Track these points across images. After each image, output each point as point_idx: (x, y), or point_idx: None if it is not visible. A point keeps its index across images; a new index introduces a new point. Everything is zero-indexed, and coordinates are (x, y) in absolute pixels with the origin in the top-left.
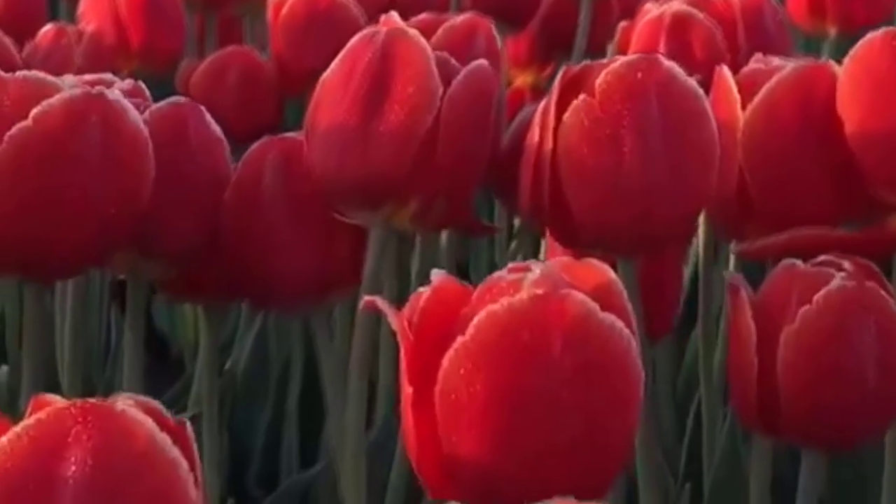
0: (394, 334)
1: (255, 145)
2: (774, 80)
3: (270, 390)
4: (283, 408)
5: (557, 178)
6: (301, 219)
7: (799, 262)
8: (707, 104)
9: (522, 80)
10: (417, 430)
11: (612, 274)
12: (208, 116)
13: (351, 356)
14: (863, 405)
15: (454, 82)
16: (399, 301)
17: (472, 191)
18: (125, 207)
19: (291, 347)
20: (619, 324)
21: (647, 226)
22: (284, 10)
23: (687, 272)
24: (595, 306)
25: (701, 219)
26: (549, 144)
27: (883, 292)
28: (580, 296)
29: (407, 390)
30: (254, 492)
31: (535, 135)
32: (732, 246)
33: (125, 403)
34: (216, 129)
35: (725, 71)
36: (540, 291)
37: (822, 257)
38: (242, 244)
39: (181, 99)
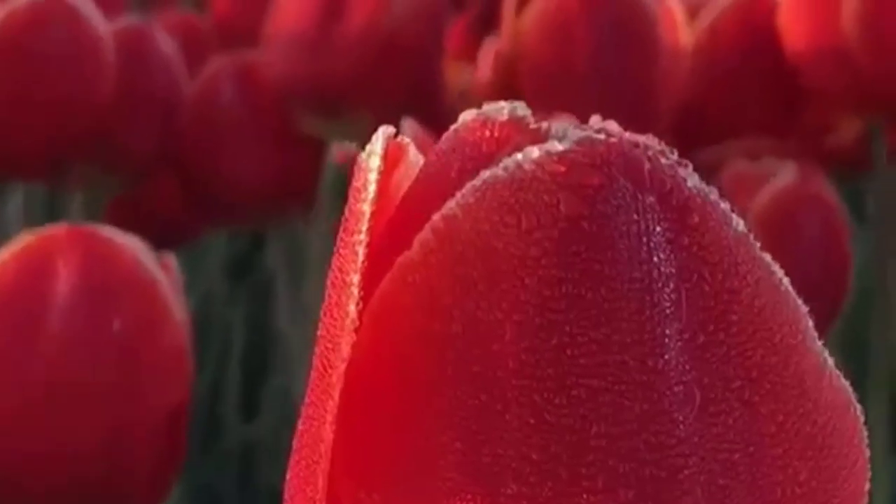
0: None
1: (212, 62)
2: (718, 3)
3: (213, 343)
4: (225, 361)
5: (515, 78)
6: (257, 130)
7: (745, 164)
8: (655, 14)
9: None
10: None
11: None
12: (164, 35)
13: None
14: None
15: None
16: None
17: (432, 101)
18: (84, 108)
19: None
20: None
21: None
22: None
23: None
24: None
25: None
26: (509, 40)
27: (824, 189)
28: None
29: None
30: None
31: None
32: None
33: (111, 231)
34: (172, 47)
35: None
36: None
37: (765, 160)
38: (200, 155)
39: (138, 19)
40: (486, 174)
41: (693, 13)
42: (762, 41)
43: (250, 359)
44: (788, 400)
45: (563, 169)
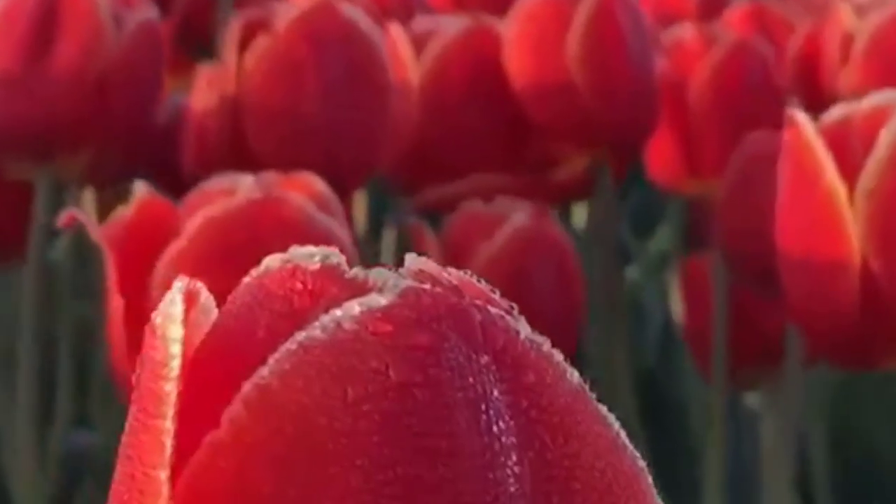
0: None
1: None
2: (443, 38)
3: None
4: None
5: (240, 120)
6: None
7: (478, 205)
8: (384, 52)
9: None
10: (129, 342)
11: (323, 184)
12: None
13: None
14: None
15: (126, 31)
16: None
17: (144, 145)
18: None
19: None
20: (336, 224)
21: (328, 164)
22: None
23: None
24: (312, 206)
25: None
26: (231, 87)
27: (556, 228)
28: (297, 197)
29: (117, 303)
30: None
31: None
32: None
33: None
34: None
35: (395, 29)
36: (256, 195)
37: (498, 201)
38: None
39: None
40: (301, 335)
41: (419, 46)
42: (488, 76)
43: None
44: None
45: (389, 328)
